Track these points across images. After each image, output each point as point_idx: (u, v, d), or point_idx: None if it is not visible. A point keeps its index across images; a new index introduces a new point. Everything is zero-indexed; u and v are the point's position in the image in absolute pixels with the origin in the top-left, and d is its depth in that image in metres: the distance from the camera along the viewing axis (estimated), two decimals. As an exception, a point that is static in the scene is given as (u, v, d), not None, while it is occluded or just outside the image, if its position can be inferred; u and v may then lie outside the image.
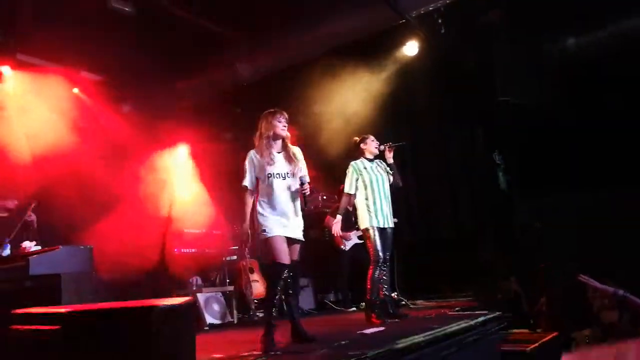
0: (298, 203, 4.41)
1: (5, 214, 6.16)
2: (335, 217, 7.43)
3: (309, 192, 4.36)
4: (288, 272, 4.30)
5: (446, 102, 8.08)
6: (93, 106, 7.80)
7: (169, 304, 1.94)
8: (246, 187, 4.30)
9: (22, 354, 2.04)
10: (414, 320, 5.39)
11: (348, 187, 5.55)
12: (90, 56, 7.25)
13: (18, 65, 6.91)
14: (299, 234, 4.36)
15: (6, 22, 6.28)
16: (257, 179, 4.33)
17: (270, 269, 4.28)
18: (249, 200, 4.32)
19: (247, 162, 4.34)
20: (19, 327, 2.02)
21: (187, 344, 1.99)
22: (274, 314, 4.21)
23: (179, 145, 8.77)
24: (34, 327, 1.95)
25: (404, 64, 7.81)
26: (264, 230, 4.19)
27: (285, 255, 4.17)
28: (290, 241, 4.30)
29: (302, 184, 4.32)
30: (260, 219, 4.23)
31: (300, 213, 4.42)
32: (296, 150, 4.46)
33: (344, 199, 5.62)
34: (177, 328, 1.92)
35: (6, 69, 6.85)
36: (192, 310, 1.97)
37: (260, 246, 4.34)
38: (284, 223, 4.25)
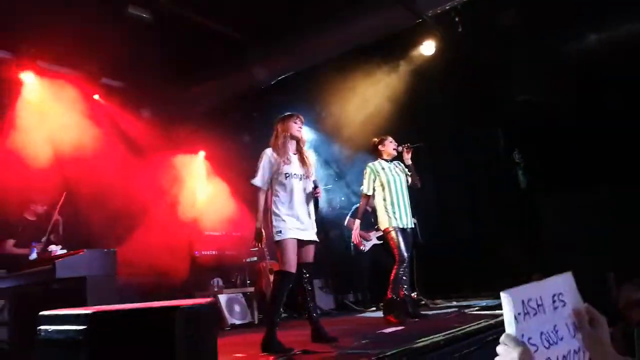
0: (312, 205, 4.46)
1: (34, 218, 6.32)
2: (352, 219, 7.49)
3: (320, 196, 4.41)
4: (304, 274, 4.34)
5: (465, 101, 8.04)
6: (113, 112, 7.90)
7: (193, 304, 1.98)
8: (257, 185, 4.31)
9: (48, 355, 2.10)
10: (434, 319, 5.39)
11: (366, 189, 5.58)
12: (109, 63, 7.36)
13: (39, 73, 7.02)
14: (313, 236, 4.39)
15: (26, 30, 6.39)
16: (271, 179, 4.35)
17: (276, 278, 4.30)
18: (261, 199, 4.33)
19: (262, 160, 4.36)
20: (46, 327, 2.09)
21: (209, 343, 2.04)
22: (280, 319, 4.24)
23: (197, 149, 8.86)
24: (60, 327, 2.01)
25: (421, 64, 7.78)
26: (279, 232, 4.21)
27: (293, 264, 4.18)
28: (305, 243, 4.33)
29: (315, 187, 4.36)
30: (276, 219, 4.25)
31: (313, 215, 4.46)
32: (309, 154, 4.52)
33: (362, 201, 5.65)
34: (200, 328, 1.97)
35: (29, 76, 6.96)
36: (215, 311, 2.02)
37: (273, 248, 4.35)
38: (299, 225, 4.27)
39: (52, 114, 7.04)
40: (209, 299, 2.07)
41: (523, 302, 1.10)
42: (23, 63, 6.89)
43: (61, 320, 2.03)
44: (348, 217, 7.78)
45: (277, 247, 4.25)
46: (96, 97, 7.84)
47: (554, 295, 1.15)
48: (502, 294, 1.10)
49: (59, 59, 7.13)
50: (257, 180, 4.32)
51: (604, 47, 7.17)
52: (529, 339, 1.09)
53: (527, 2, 6.92)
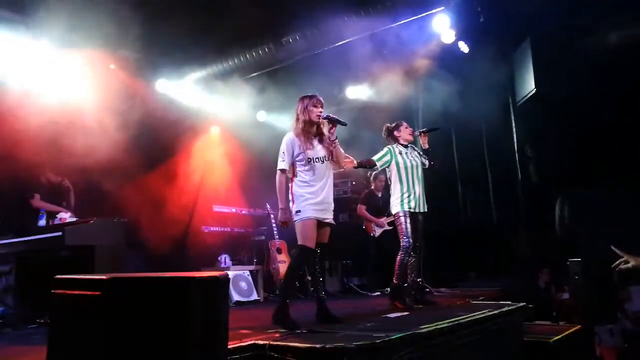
0: (332, 187, 4.47)
1: (47, 185, 6.35)
2: (364, 204, 7.50)
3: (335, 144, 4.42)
4: (315, 254, 4.37)
5: (481, 91, 7.98)
6: (129, 83, 7.89)
7: (207, 276, 1.99)
8: (285, 169, 4.33)
9: (62, 318, 2.12)
10: (438, 307, 5.40)
11: (376, 157, 5.57)
12: (126, 33, 7.33)
13: (55, 39, 6.99)
14: (330, 217, 4.42)
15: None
16: (293, 162, 4.37)
17: (296, 251, 4.34)
18: (285, 182, 4.37)
19: (285, 145, 4.36)
20: (60, 291, 2.10)
21: (222, 316, 2.05)
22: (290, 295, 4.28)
23: (210, 124, 8.87)
24: (75, 292, 2.02)
25: (440, 50, 7.70)
26: (298, 211, 4.26)
27: (312, 241, 4.24)
28: (323, 224, 4.37)
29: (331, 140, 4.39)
30: (297, 199, 4.29)
31: (332, 196, 4.47)
32: (327, 132, 4.49)
33: (368, 161, 5.61)
34: (215, 299, 1.98)
35: (45, 46, 6.92)
36: (228, 285, 2.02)
37: (294, 227, 4.37)
38: (319, 206, 4.30)
39: (67, 81, 7.03)
40: (222, 272, 2.07)
41: None
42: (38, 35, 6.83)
43: (77, 284, 2.04)
44: (359, 205, 7.78)
45: (296, 227, 4.29)
46: (111, 66, 7.81)
47: None
48: None
49: (74, 29, 7.08)
50: (284, 164, 4.33)
51: (623, 43, 7.08)
52: None
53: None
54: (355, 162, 5.30)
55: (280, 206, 4.37)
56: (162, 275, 1.99)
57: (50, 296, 2.12)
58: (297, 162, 4.36)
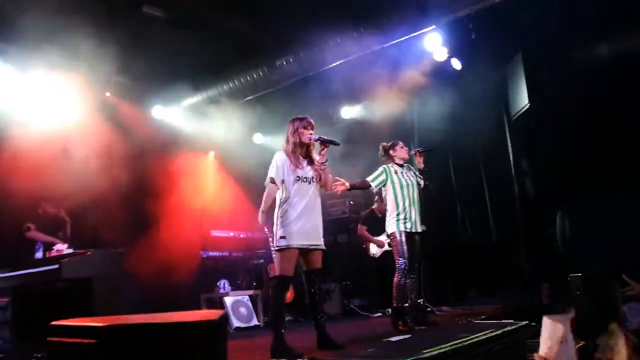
0: (320, 210, 4.44)
1: (45, 217, 6.33)
2: (365, 225, 7.47)
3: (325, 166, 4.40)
4: (312, 280, 4.33)
5: (475, 107, 8.01)
6: (125, 110, 7.91)
7: (204, 319, 1.97)
8: (274, 179, 4.29)
9: (59, 366, 2.09)
10: (440, 328, 5.36)
11: (370, 178, 5.55)
12: (122, 60, 7.35)
13: (51, 68, 6.99)
14: (320, 242, 4.36)
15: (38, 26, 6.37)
16: (282, 181, 4.33)
17: (275, 283, 4.29)
18: (274, 193, 4.32)
19: (276, 161, 4.35)
20: (56, 339, 2.07)
21: (221, 357, 2.02)
22: (286, 325, 4.20)
23: (207, 149, 8.87)
24: (70, 339, 1.99)
25: (433, 68, 7.74)
26: (283, 237, 4.19)
27: (291, 271, 4.18)
28: (312, 249, 4.31)
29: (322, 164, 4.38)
30: (282, 224, 4.23)
31: (321, 220, 4.43)
32: (316, 156, 4.49)
33: (362, 182, 5.59)
34: (211, 343, 1.96)
35: (40, 72, 6.91)
36: (226, 324, 1.99)
37: (275, 253, 4.32)
38: (305, 232, 4.24)
39: (63, 111, 7.03)
40: (220, 312, 2.04)
41: None
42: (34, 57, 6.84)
43: (72, 332, 2.01)
44: (360, 225, 7.75)
45: (277, 252, 4.24)
46: (107, 94, 7.83)
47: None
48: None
49: (71, 56, 7.10)
50: (274, 174, 4.30)
51: (614, 56, 7.12)
52: None
53: (539, 9, 6.86)
54: (347, 184, 5.27)
55: (261, 208, 4.32)
56: (160, 321, 1.97)
57: (46, 343, 2.09)
58: (286, 181, 4.33)
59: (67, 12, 5.77)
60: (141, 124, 8.04)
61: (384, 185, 5.56)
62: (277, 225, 4.28)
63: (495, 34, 7.37)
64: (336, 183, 5.12)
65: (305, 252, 4.29)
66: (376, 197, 7.80)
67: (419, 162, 5.71)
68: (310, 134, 4.41)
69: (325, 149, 4.42)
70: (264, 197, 4.34)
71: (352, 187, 5.46)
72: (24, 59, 6.83)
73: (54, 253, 5.63)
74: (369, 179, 5.56)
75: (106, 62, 7.10)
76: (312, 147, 4.51)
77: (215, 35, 7.21)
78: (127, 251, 5.88)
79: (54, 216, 6.30)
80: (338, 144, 4.54)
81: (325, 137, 4.45)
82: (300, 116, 4.48)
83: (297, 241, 4.19)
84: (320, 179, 4.44)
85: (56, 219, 6.30)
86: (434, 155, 5.93)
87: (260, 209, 4.35)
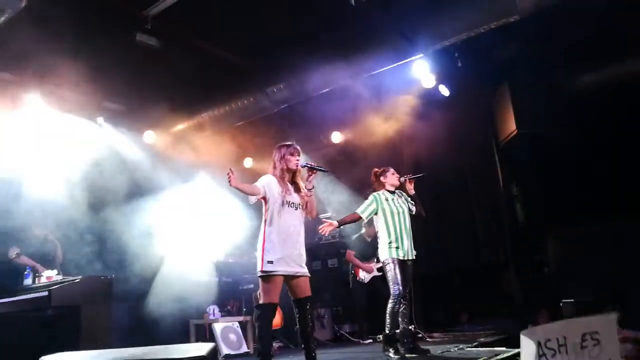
0: (303, 237, 4.44)
1: (34, 240, 6.30)
2: (353, 250, 7.47)
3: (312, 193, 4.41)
4: (303, 307, 4.31)
5: (463, 133, 8.09)
6: (115, 135, 7.92)
7: (195, 355, 1.96)
8: (258, 187, 4.27)
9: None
10: (431, 355, 5.33)
11: (360, 210, 5.54)
12: (112, 86, 7.39)
13: (44, 94, 7.00)
14: (305, 269, 4.36)
15: (31, 54, 6.41)
16: (266, 205, 4.33)
17: (259, 312, 4.23)
18: (254, 192, 4.26)
19: (264, 180, 4.37)
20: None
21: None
22: (275, 351, 4.14)
23: (198, 175, 8.86)
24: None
25: (420, 95, 7.83)
26: (270, 262, 4.16)
27: (276, 297, 4.17)
28: (297, 277, 4.29)
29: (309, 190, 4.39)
30: (269, 248, 4.20)
31: (304, 247, 4.43)
32: (302, 184, 4.51)
33: (352, 216, 5.57)
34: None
35: (34, 97, 6.90)
36: (215, 357, 1.99)
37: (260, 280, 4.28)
38: (290, 256, 4.23)
39: (54, 135, 7.04)
40: (210, 345, 2.04)
41: (539, 343, 1.08)
42: (28, 82, 6.84)
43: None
44: (348, 250, 7.74)
45: (262, 279, 4.20)
46: (99, 119, 7.85)
47: (584, 335, 1.12)
48: (521, 335, 1.08)
49: (63, 83, 7.13)
50: (261, 182, 4.31)
51: (602, 82, 7.25)
52: None
53: (525, 39, 6.99)
54: (335, 222, 5.29)
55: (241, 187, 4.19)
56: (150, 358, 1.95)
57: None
58: (272, 203, 4.32)
59: (63, 35, 5.83)
60: (132, 149, 8.06)
61: (375, 214, 5.56)
62: (262, 249, 4.26)
63: (482, 62, 7.50)
64: (323, 225, 5.13)
65: (290, 279, 4.27)
66: (364, 221, 7.82)
67: (410, 188, 5.71)
68: (297, 159, 4.44)
69: (313, 175, 4.45)
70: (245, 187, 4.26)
71: (342, 223, 5.48)
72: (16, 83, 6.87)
73: (42, 279, 5.59)
74: (359, 210, 5.54)
75: (97, 87, 7.17)
76: (298, 174, 4.53)
77: (207, 63, 7.30)
78: (117, 276, 5.85)
79: (42, 239, 6.28)
80: (326, 171, 4.59)
81: (313, 164, 4.50)
82: (287, 142, 4.53)
83: (282, 267, 4.18)
84: (306, 206, 4.45)
85: (45, 242, 6.28)
86: (424, 181, 5.95)
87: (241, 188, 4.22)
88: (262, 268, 4.20)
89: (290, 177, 4.48)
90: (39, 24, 5.46)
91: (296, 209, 4.38)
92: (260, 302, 4.23)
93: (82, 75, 6.51)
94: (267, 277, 4.17)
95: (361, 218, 5.55)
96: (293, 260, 4.25)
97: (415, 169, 6.55)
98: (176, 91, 7.71)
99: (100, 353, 2.00)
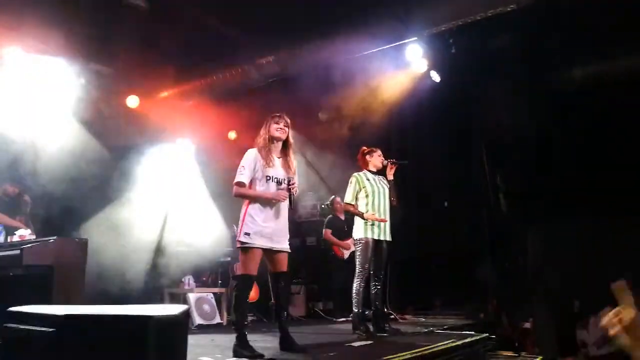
0: (287, 213, 4.40)
1: (5, 198, 6.21)
2: (330, 228, 7.50)
3: (296, 193, 4.35)
4: (279, 283, 4.31)
5: (450, 121, 8.09)
6: (99, 98, 7.77)
7: (167, 314, 1.94)
8: (243, 182, 4.21)
9: (14, 353, 2.03)
10: (402, 336, 5.38)
11: (349, 198, 5.53)
12: (100, 48, 7.24)
13: (28, 49, 6.81)
14: (285, 245, 4.32)
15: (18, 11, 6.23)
16: (252, 179, 4.27)
17: (239, 282, 4.27)
18: (246, 191, 4.24)
19: (246, 160, 4.28)
20: (13, 325, 2.02)
21: (181, 353, 2.00)
22: (249, 324, 4.16)
23: (181, 142, 8.77)
24: (28, 327, 1.95)
25: (412, 79, 7.79)
26: (248, 234, 4.13)
27: (254, 270, 4.15)
28: (277, 251, 4.27)
29: (289, 181, 4.28)
30: (249, 221, 4.17)
31: (287, 223, 4.40)
32: (294, 162, 4.46)
33: (349, 209, 5.58)
34: (173, 338, 1.93)
35: (16, 50, 6.71)
36: (187, 320, 1.97)
37: (238, 250, 4.26)
38: (270, 232, 4.20)
39: (35, 94, 6.89)
40: (183, 307, 2.02)
41: None
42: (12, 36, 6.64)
43: (30, 319, 1.97)
44: (324, 229, 7.75)
45: (241, 249, 4.18)
46: (82, 81, 7.68)
47: None
48: None
49: (49, 39, 6.95)
50: (243, 177, 4.22)
51: (589, 78, 7.29)
52: None
53: (519, 30, 6.98)
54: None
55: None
56: (121, 313, 1.93)
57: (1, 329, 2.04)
58: (256, 180, 4.27)
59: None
60: (115, 112, 7.93)
61: (358, 192, 5.55)
62: (242, 221, 4.22)
63: (475, 51, 7.48)
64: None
65: (269, 254, 4.25)
66: (328, 202, 7.87)
67: (389, 174, 5.70)
68: (281, 128, 4.37)
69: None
70: (243, 195, 4.24)
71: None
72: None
73: (15, 238, 5.51)
74: (347, 200, 5.56)
75: (83, 49, 7.01)
76: (289, 146, 4.47)
77: (195, 30, 7.17)
78: (93, 241, 5.77)
79: (14, 196, 6.19)
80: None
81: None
82: (276, 114, 4.46)
83: (262, 242, 4.15)
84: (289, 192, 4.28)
85: (17, 200, 6.18)
86: (409, 165, 5.95)
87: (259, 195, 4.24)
88: (239, 238, 4.18)
89: (279, 151, 4.43)
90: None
91: (280, 183, 4.29)
92: (238, 272, 4.22)
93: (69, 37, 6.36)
94: (245, 249, 4.14)
95: (353, 205, 5.54)
96: (273, 235, 4.21)
97: (401, 154, 6.53)
98: (164, 57, 7.56)
99: (71, 307, 1.97)
